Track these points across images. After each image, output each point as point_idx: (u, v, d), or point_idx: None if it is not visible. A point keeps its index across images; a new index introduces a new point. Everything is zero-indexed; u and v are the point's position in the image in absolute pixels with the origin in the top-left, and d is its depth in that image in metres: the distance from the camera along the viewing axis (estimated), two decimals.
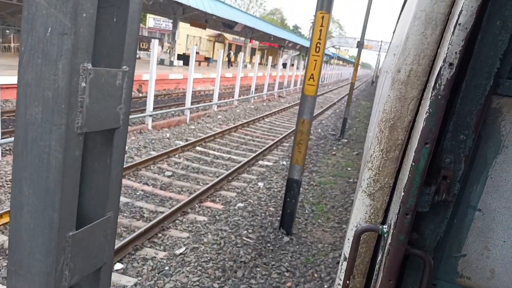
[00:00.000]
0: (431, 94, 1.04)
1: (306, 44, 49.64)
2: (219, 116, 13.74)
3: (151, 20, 44.18)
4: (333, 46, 76.26)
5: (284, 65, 45.23)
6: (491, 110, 1.11)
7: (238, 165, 8.21)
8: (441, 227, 1.19)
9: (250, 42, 42.95)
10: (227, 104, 16.86)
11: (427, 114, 1.04)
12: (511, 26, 1.01)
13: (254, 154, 9.36)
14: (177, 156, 8.62)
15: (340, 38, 77.65)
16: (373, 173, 1.26)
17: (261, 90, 23.94)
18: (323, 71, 44.82)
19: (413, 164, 1.06)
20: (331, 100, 25.75)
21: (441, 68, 1.02)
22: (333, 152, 11.13)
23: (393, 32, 7.79)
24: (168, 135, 10.11)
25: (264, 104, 19.17)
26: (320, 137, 12.93)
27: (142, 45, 27.48)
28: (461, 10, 0.98)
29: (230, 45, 46.02)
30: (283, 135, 12.14)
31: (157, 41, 10.84)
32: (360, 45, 12.66)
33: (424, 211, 1.13)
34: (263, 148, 10.18)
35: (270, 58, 23.47)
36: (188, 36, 37.46)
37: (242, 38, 41.27)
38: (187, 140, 9.94)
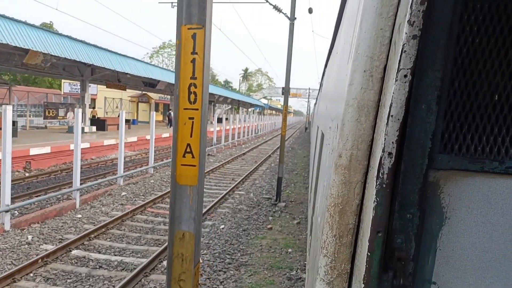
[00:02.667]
0: (376, 182, 1.12)
1: (237, 97, 49.09)
2: (124, 193, 10.87)
3: (66, 85, 40.67)
4: (264, 97, 77.72)
5: (220, 120, 43.88)
6: (430, 185, 1.17)
7: (126, 280, 5.45)
8: None
9: None
10: (141, 173, 14.07)
11: (375, 203, 1.12)
12: (435, 109, 1.13)
13: (158, 250, 6.67)
14: (31, 275, 5.63)
15: (270, 89, 79.52)
16: (329, 260, 1.27)
17: None
18: (257, 123, 43.96)
19: (369, 254, 1.12)
20: (265, 153, 24.01)
21: (381, 157, 1.12)
22: (269, 225, 8.79)
23: (321, 79, 7.34)
24: (30, 237, 7.03)
25: None
26: (252, 204, 10.59)
27: (48, 113, 24.04)
28: (391, 103, 1.10)
29: (157, 104, 43.62)
30: (207, 212, 9.62)
31: (80, 110, 8.09)
32: (286, 91, 11.02)
33: None
34: None
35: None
36: (106, 99, 34.50)
37: (168, 96, 39.29)
38: (61, 241, 6.97)
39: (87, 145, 16.76)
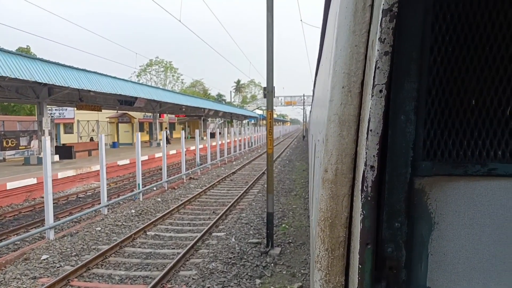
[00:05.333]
0: (361, 196, 1.14)
1: (228, 110, 46.02)
2: (45, 256, 7.56)
3: None
4: (258, 108, 75.25)
5: (213, 135, 40.70)
6: (415, 192, 1.18)
7: None
8: None
9: (160, 116, 37.95)
10: (89, 216, 10.82)
11: (362, 216, 1.13)
12: (413, 119, 1.15)
13: None
14: None
15: (264, 99, 76.87)
16: (323, 274, 1.28)
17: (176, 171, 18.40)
18: (250, 135, 40.81)
19: (360, 266, 1.13)
20: (259, 169, 20.78)
21: (364, 171, 1.13)
22: None
23: (314, 84, 7.16)
24: None
25: (165, 195, 13.41)
26: (233, 258, 7.33)
27: (7, 143, 20.87)
28: (370, 117, 1.12)
29: (141, 123, 40.48)
30: (163, 274, 6.35)
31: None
32: (268, 93, 7.88)
33: None
34: None
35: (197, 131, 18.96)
36: (80, 122, 31.36)
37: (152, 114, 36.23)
38: None
39: (33, 181, 13.51)
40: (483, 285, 1.20)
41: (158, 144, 32.79)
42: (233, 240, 8.23)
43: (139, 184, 12.53)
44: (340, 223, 1.25)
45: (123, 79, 21.32)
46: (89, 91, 18.74)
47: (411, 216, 1.18)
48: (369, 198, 1.13)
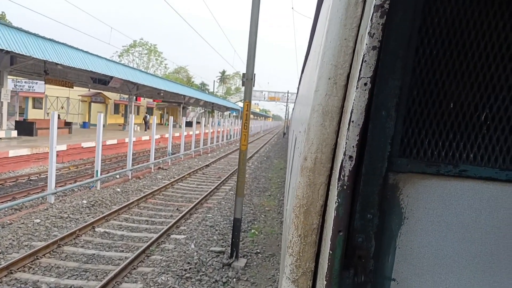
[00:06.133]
0: (338, 184, 1.17)
1: (210, 99, 44.50)
2: None
3: (10, 82, 35.11)
4: (241, 100, 74.18)
5: (189, 124, 39.04)
6: (389, 187, 1.23)
7: None
8: None
9: (137, 99, 36.19)
10: (35, 203, 9.48)
11: (337, 203, 1.17)
12: (394, 115, 1.18)
13: None
14: None
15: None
16: (295, 259, 1.30)
17: (146, 158, 17.06)
18: (229, 128, 39.54)
19: (331, 252, 1.16)
20: (235, 164, 19.64)
21: (342, 160, 1.17)
22: None
23: (298, 84, 6.99)
24: None
25: (127, 185, 12.14)
26: (191, 268, 6.23)
27: None
28: (352, 109, 1.15)
29: (116, 105, 38.53)
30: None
31: None
32: (247, 80, 6.77)
33: None
34: None
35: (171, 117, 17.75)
36: (48, 97, 29.33)
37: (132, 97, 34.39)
38: None
39: None
40: (444, 279, 1.24)
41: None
42: (193, 246, 7.12)
43: (97, 171, 11.21)
44: (315, 211, 1.28)
45: (96, 55, 19.68)
46: (57, 64, 17.13)
47: (383, 209, 1.21)
48: (345, 187, 1.16)
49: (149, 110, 45.36)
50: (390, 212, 1.22)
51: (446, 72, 1.21)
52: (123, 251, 7.00)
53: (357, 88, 1.13)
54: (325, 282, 1.15)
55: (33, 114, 32.46)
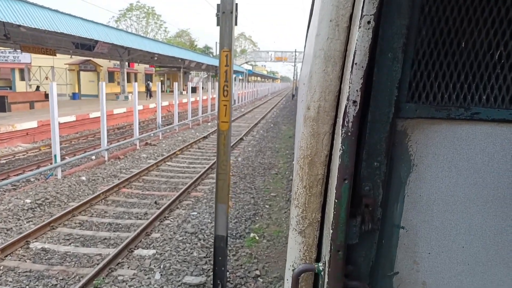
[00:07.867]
0: (342, 131, 1.10)
1: (212, 62, 41.22)
2: None
3: None
4: (246, 62, 70.75)
5: (194, 89, 36.28)
6: (397, 133, 1.17)
7: None
8: (371, 253, 1.22)
9: (130, 65, 33.31)
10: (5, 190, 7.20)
11: (341, 151, 1.10)
12: (401, 57, 1.10)
13: None
14: None
15: (253, 54, 72.70)
16: (300, 210, 1.28)
17: (140, 130, 14.70)
18: (233, 92, 36.67)
19: (336, 201, 1.11)
20: (238, 133, 17.17)
21: (346, 106, 1.08)
22: None
23: (305, 40, 6.53)
24: None
25: (99, 170, 9.82)
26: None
27: None
28: (355, 50, 1.06)
29: (111, 73, 35.73)
30: None
31: None
32: (225, 14, 4.07)
33: (354, 242, 1.16)
34: None
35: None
36: (29, 68, 26.66)
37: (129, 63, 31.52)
38: None
39: None
40: (455, 226, 1.21)
41: (127, 98, 28.59)
42: (158, 276, 4.77)
43: (55, 155, 8.82)
44: (319, 161, 1.24)
45: (68, 14, 16.80)
46: (18, 26, 14.41)
47: (391, 156, 1.18)
48: (349, 134, 1.09)
49: (148, 77, 42.53)
50: (398, 160, 1.18)
51: (457, 8, 1.11)
52: (57, 283, 4.71)
53: (359, 27, 1.04)
54: (331, 231, 1.12)
55: (21, 86, 30.04)
